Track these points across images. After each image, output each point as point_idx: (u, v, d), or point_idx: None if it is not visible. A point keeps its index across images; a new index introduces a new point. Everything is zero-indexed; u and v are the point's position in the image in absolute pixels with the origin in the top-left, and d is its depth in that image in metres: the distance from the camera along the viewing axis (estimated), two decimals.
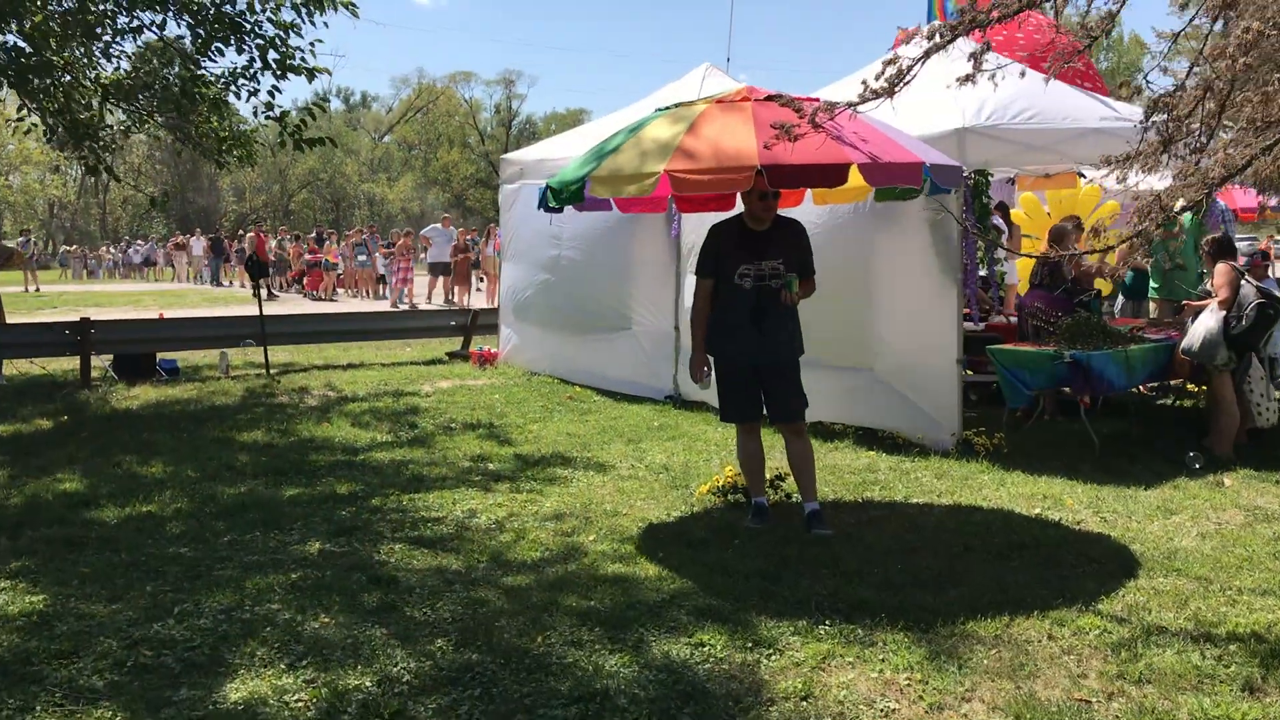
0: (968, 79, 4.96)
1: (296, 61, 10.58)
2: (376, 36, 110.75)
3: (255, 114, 11.04)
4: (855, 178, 5.99)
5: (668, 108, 6.23)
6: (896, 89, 5.23)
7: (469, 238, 26.03)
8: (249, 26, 10.27)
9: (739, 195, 7.34)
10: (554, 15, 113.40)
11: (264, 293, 28.94)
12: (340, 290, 30.10)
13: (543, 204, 6.20)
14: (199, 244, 38.88)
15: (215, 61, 10.69)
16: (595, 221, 10.82)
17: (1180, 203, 5.32)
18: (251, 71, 10.66)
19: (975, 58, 5.05)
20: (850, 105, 5.48)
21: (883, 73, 5.23)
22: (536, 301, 11.92)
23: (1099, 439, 7.99)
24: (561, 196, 5.91)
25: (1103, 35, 5.20)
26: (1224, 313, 7.97)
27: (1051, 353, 7.94)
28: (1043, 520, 6.27)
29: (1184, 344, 8.15)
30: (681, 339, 10.26)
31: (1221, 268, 8.21)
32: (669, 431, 9.02)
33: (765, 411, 6.12)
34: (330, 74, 10.97)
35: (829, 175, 5.42)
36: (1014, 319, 10.25)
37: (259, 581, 5.20)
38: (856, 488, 7.09)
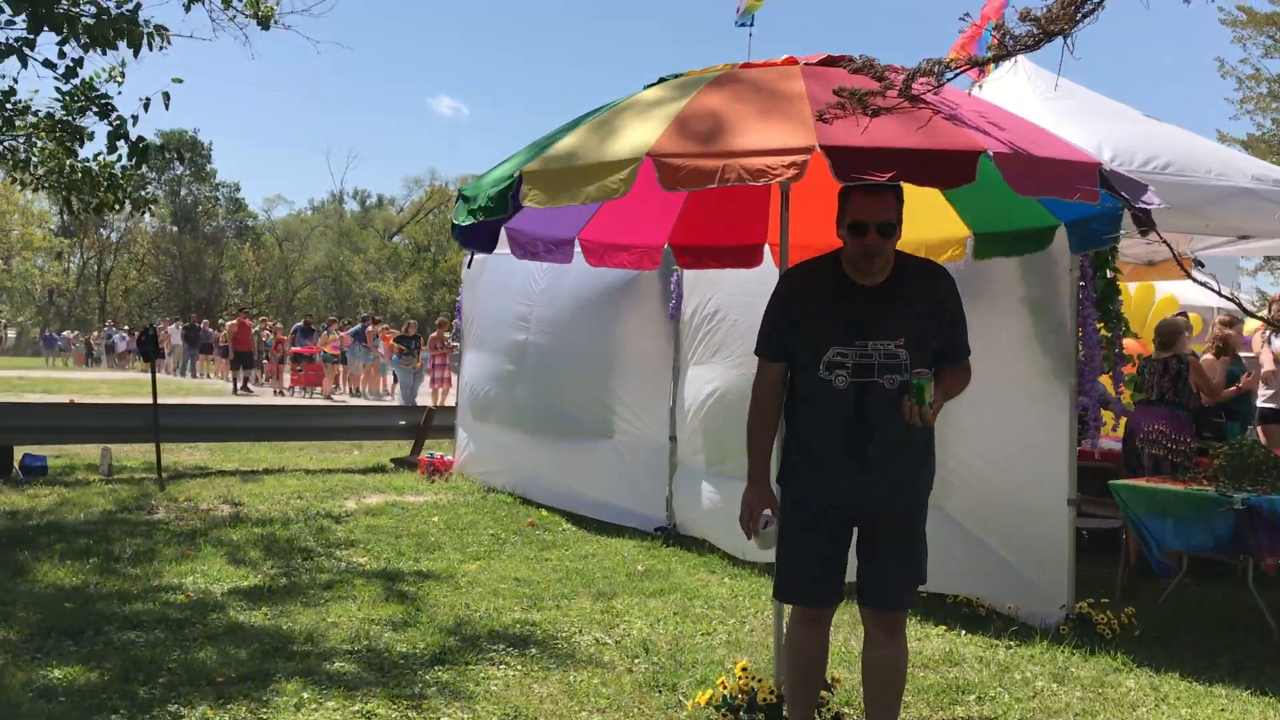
0: None
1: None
2: (395, 140, 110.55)
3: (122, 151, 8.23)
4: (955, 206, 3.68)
5: (663, 79, 3.87)
6: (1084, 13, 2.89)
7: None
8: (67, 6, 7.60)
9: (767, 238, 5.00)
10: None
11: (237, 385, 27.00)
12: (336, 386, 26.61)
13: (456, 232, 3.83)
14: (176, 332, 36.56)
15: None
16: (569, 299, 8.52)
17: None
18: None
19: None
20: (974, 63, 3.16)
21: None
22: (498, 399, 9.48)
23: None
24: (477, 207, 3.51)
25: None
26: None
27: (1214, 495, 5.45)
28: None
29: None
30: (679, 451, 7.81)
31: None
32: (657, 581, 6.50)
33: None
34: (177, 86, 8.06)
35: (942, 167, 3.03)
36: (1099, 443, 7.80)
37: None
38: (939, 697, 4.55)
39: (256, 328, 31.89)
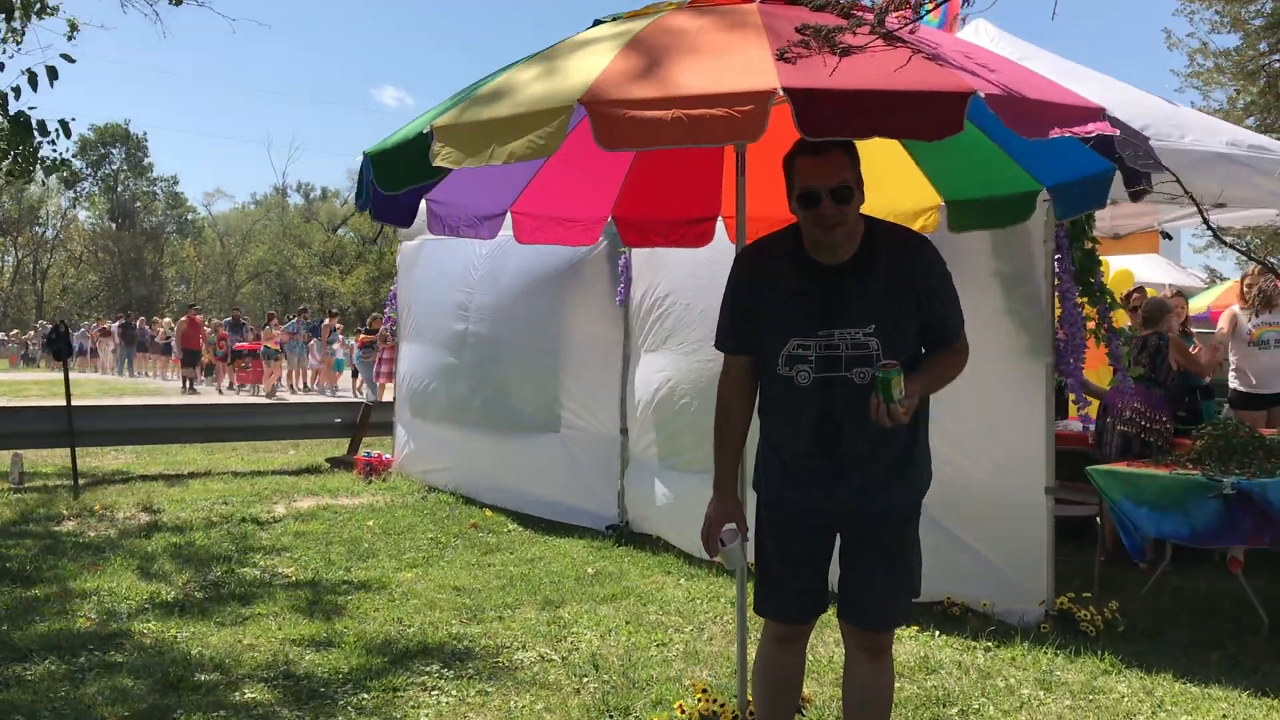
0: None
1: None
2: (338, 132, 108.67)
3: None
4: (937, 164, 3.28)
5: (599, 21, 3.38)
6: None
7: None
8: None
9: (720, 211, 4.53)
10: None
11: (187, 384, 25.97)
12: (278, 383, 25.59)
13: (362, 199, 3.33)
14: (116, 330, 35.34)
15: None
16: (512, 285, 8.04)
17: None
18: None
19: None
20: None
21: None
22: (437, 393, 8.95)
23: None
24: (388, 174, 3.02)
25: None
26: None
27: (1201, 479, 5.09)
28: None
29: None
30: (631, 444, 7.35)
31: None
32: (608, 585, 6.05)
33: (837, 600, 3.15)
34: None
35: (925, 112, 2.57)
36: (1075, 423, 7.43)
37: None
38: (918, 711, 4.14)
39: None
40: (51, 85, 7.00)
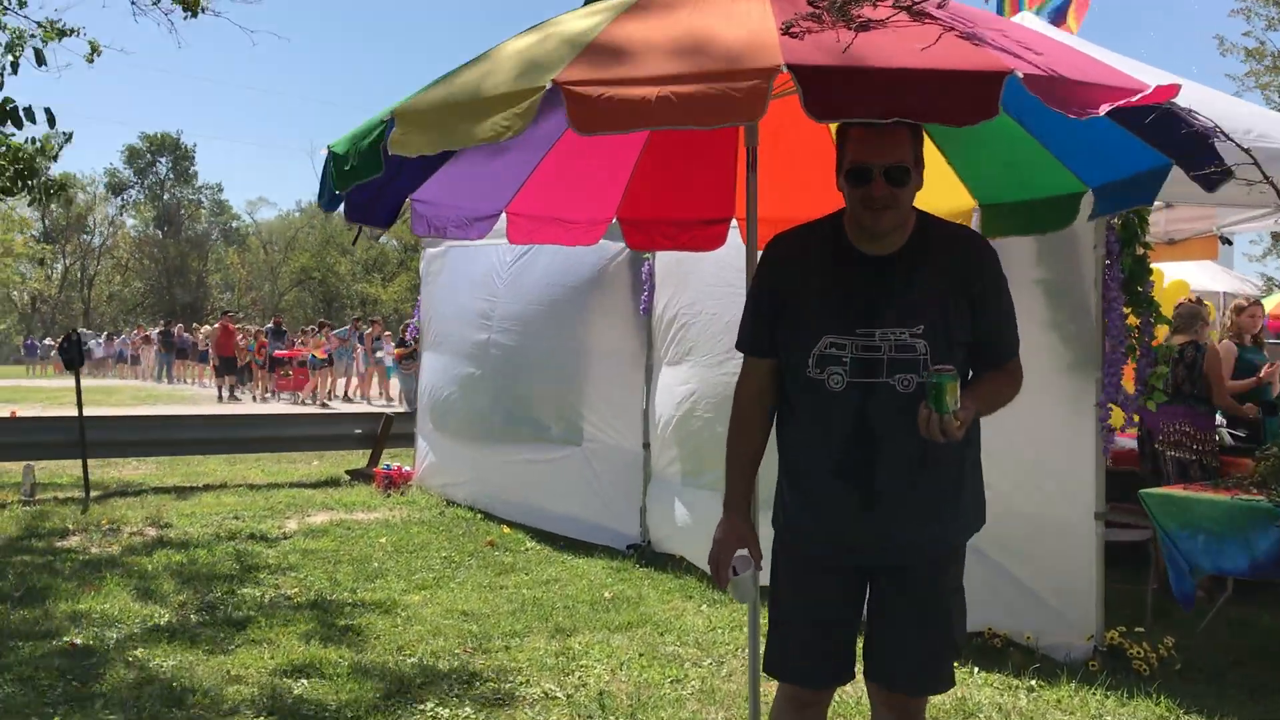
0: None
1: None
2: None
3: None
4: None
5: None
6: None
7: None
8: None
9: (734, 213, 4.16)
10: None
11: (223, 393, 25.74)
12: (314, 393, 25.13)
13: (324, 198, 3.01)
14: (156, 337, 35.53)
15: None
16: (535, 293, 7.74)
17: None
18: None
19: None
20: None
21: None
22: (458, 404, 8.65)
23: None
24: (347, 167, 2.70)
25: None
26: None
27: (1268, 505, 4.66)
28: None
29: None
30: (653, 460, 7.01)
31: None
32: (625, 612, 5.70)
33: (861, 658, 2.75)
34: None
35: (953, 92, 2.21)
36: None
37: None
38: None
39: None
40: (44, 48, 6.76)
